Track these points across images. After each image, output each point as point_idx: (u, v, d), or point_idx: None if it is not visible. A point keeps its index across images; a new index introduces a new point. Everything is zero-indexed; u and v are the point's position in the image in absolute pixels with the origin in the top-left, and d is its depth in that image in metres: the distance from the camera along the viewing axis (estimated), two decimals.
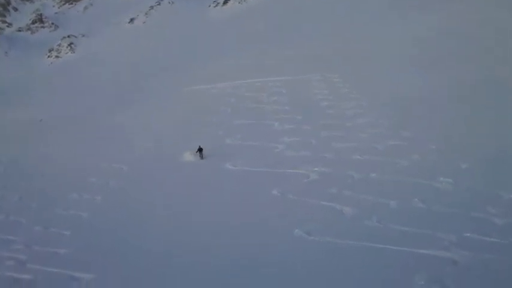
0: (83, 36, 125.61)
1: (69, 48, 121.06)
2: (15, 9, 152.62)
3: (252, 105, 47.58)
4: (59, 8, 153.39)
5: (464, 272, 15.10)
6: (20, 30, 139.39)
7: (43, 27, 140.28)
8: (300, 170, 28.93)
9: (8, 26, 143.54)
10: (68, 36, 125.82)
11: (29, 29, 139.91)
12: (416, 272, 15.08)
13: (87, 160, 38.18)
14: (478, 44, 49.21)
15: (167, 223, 23.58)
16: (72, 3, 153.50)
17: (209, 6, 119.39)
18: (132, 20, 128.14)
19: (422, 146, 29.50)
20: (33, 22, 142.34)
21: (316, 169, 28.61)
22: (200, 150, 34.36)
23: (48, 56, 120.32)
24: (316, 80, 51.92)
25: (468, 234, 17.70)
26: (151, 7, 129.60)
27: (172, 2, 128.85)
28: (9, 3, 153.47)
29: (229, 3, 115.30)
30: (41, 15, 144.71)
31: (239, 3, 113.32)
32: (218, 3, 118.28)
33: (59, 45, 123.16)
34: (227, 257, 18.18)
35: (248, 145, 35.79)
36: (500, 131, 29.91)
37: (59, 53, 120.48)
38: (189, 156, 34.28)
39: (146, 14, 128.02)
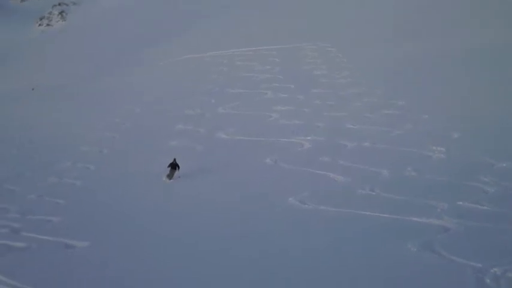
0: (74, 4, 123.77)
1: (60, 16, 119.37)
2: None
3: (245, 74, 47.40)
4: None
5: (456, 239, 15.25)
6: None
7: None
8: (293, 138, 28.98)
9: None
10: (59, 4, 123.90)
11: None
12: (409, 239, 15.21)
13: (78, 128, 37.87)
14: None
15: (159, 193, 23.61)
16: None
17: None
18: None
19: (415, 115, 29.59)
20: None
21: (309, 138, 28.68)
22: (173, 166, 24.48)
23: (39, 25, 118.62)
24: (309, 49, 51.72)
25: (460, 203, 17.84)
26: None
27: None
28: None
29: None
30: None
31: None
32: None
33: (50, 13, 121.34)
34: (224, 224, 18.27)
35: (241, 114, 35.75)
36: (494, 100, 29.98)
37: (50, 21, 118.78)
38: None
39: None
